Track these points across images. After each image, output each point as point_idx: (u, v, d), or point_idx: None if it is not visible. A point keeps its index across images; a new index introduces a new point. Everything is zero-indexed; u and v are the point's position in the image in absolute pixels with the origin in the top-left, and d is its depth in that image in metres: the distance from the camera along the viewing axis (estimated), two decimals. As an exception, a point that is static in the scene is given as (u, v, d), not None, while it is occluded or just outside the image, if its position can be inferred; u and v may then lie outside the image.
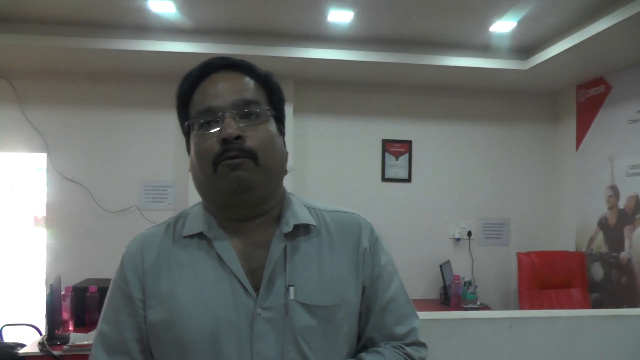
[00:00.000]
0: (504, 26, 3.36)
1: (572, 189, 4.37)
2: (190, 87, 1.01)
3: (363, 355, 1.02)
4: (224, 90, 0.97)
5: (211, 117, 0.96)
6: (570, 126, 4.41)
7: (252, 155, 0.94)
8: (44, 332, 2.85)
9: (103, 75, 4.08)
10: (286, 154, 1.05)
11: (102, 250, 3.97)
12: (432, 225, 4.49)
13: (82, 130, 4.08)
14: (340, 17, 3.29)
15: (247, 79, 1.00)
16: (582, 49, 3.36)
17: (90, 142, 4.08)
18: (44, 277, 4.02)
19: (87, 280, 3.41)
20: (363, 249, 1.04)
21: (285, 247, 0.99)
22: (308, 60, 3.72)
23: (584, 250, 4.15)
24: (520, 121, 4.63)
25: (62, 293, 3.16)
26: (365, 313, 1.04)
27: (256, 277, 0.96)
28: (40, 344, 2.71)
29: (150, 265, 0.99)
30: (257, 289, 0.95)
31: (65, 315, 3.13)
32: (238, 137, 0.93)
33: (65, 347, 2.67)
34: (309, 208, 1.06)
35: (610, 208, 3.89)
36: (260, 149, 0.95)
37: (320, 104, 4.38)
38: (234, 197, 0.96)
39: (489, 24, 3.35)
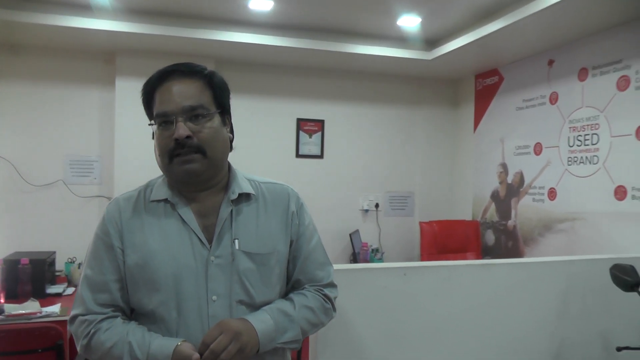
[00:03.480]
0: (410, 20, 3.74)
1: (469, 166, 4.92)
2: (152, 89, 1.27)
3: (291, 295, 1.35)
4: (176, 96, 1.23)
5: (167, 119, 1.23)
6: (469, 110, 4.92)
7: (201, 150, 1.23)
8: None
9: (25, 48, 4.04)
10: (230, 138, 1.35)
11: (29, 223, 4.02)
12: (343, 198, 4.85)
13: (5, 103, 4.03)
14: (260, 5, 3.50)
15: (196, 83, 1.26)
16: (479, 44, 3.80)
17: (13, 115, 4.04)
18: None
19: (17, 253, 3.47)
20: (291, 212, 1.36)
21: (232, 210, 1.29)
22: (228, 43, 3.88)
23: (479, 219, 4.73)
24: (425, 105, 5.08)
25: (-7, 266, 3.22)
26: (292, 261, 1.36)
27: (209, 233, 1.26)
28: (-26, 314, 2.76)
29: (127, 221, 1.26)
30: (210, 241, 1.25)
31: (-4, 287, 3.20)
32: (188, 137, 1.21)
33: (0, 317, 2.72)
34: (249, 180, 1.37)
35: (500, 183, 4.46)
36: (207, 144, 1.23)
37: (239, 84, 4.52)
38: (185, 181, 1.26)
39: (396, 18, 3.71)
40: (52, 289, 3.38)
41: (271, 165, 4.63)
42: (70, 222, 4.10)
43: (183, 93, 1.23)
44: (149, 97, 1.28)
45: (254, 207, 1.32)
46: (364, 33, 4.09)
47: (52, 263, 3.57)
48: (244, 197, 1.32)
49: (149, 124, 1.28)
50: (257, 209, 1.33)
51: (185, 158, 1.21)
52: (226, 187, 1.32)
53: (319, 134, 4.81)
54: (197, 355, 1.12)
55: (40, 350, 2.22)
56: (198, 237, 1.24)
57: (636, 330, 1.73)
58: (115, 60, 4.12)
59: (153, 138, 1.28)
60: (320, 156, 4.82)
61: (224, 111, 1.32)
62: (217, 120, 1.28)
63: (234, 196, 1.29)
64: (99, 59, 4.18)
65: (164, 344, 1.16)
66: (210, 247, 1.24)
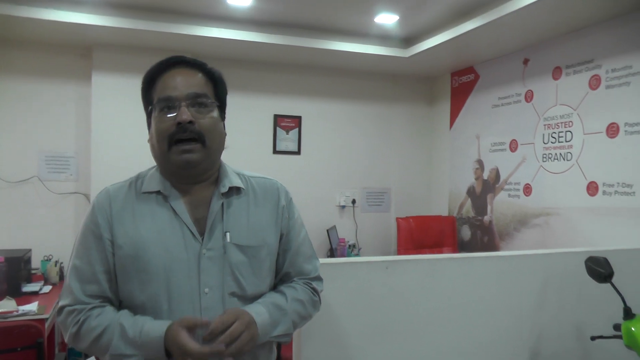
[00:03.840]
0: (387, 18, 3.78)
1: (445, 162, 5.00)
2: (153, 77, 1.28)
3: (282, 288, 1.36)
4: (180, 84, 1.24)
5: (170, 104, 1.23)
6: (445, 108, 5.00)
7: (201, 138, 1.23)
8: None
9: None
10: (225, 135, 1.36)
11: (4, 221, 3.95)
12: (320, 194, 4.86)
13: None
14: (239, 1, 3.48)
15: (199, 74, 1.29)
16: (455, 43, 3.86)
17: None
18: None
19: (-9, 250, 3.41)
20: (282, 206, 1.38)
21: (223, 203, 1.30)
22: (206, 38, 3.86)
23: (455, 214, 4.81)
24: (401, 102, 5.14)
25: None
26: (282, 254, 1.38)
27: (201, 226, 1.27)
28: (-52, 313, 2.73)
29: (117, 212, 1.25)
30: (201, 234, 1.26)
31: (-29, 285, 3.14)
32: (190, 122, 1.21)
33: (-24, 315, 2.70)
34: (239, 175, 1.38)
35: (476, 179, 4.55)
36: (207, 132, 1.25)
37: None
38: (182, 171, 1.26)
39: (374, 15, 3.75)
40: (28, 287, 3.33)
41: (248, 161, 4.55)
42: (46, 219, 4.03)
43: (188, 81, 1.25)
44: (149, 85, 1.28)
45: (244, 200, 1.34)
46: (342, 30, 4.11)
47: (28, 261, 3.51)
48: (234, 190, 1.33)
49: (149, 108, 1.28)
50: (248, 202, 1.34)
51: (185, 147, 1.22)
52: (216, 180, 1.33)
53: (296, 130, 4.82)
54: (206, 319, 1.15)
55: (19, 349, 2.19)
56: (190, 229, 1.25)
57: (609, 320, 1.79)
58: (91, 55, 4.04)
59: (149, 127, 1.28)
60: (298, 152, 4.83)
61: (222, 107, 1.34)
62: (216, 112, 1.30)
63: (225, 189, 1.30)
64: (75, 53, 4.10)
65: (157, 324, 1.17)
66: (202, 240, 1.25)
